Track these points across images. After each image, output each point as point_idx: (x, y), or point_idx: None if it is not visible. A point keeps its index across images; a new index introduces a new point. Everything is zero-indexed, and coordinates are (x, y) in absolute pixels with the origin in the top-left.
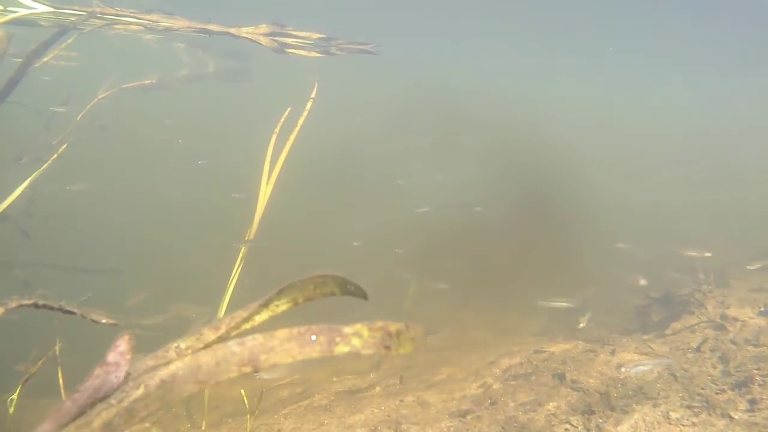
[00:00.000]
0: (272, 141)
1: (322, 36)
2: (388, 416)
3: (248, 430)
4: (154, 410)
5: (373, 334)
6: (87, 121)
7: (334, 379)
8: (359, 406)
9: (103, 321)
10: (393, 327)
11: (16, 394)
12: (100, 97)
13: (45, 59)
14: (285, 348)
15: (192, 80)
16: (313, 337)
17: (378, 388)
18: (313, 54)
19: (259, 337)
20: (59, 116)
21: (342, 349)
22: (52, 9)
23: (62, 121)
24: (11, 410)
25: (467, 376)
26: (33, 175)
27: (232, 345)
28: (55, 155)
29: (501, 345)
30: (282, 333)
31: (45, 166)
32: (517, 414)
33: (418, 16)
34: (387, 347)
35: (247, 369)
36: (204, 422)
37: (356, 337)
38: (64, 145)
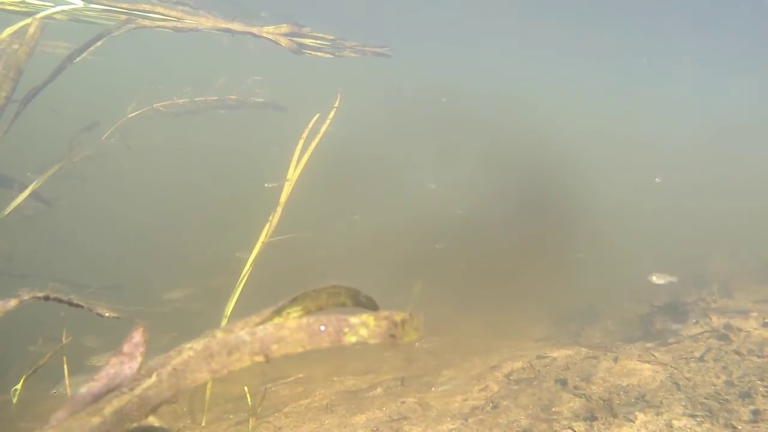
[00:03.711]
0: (298, 148)
1: (337, 38)
2: (390, 417)
3: (251, 427)
4: (167, 398)
5: (379, 323)
6: (115, 139)
7: (335, 378)
8: (360, 406)
9: (107, 314)
10: (398, 317)
11: (20, 384)
12: (130, 116)
13: (76, 61)
14: (295, 338)
15: (226, 107)
16: (322, 328)
17: (379, 389)
18: (329, 56)
19: (269, 327)
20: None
21: (350, 338)
22: (83, 4)
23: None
24: (15, 400)
25: (469, 379)
26: (30, 187)
27: (243, 335)
28: (55, 168)
29: (503, 349)
30: (292, 323)
31: (42, 179)
32: (519, 418)
33: (428, 20)
34: (393, 336)
35: (260, 358)
36: (204, 419)
37: (363, 327)
38: (61, 163)
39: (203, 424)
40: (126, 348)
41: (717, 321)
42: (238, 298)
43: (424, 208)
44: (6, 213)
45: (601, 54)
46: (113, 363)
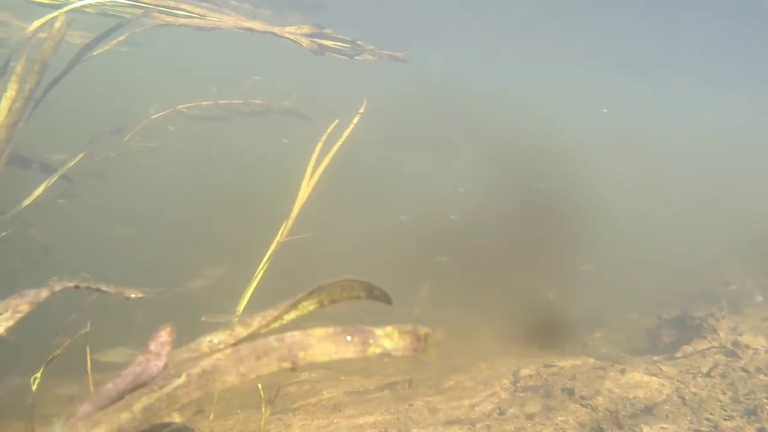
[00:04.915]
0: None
1: (356, 40)
2: (397, 419)
3: (263, 422)
4: (195, 398)
5: (402, 336)
6: (136, 140)
7: (342, 378)
8: (368, 407)
9: (132, 295)
10: (422, 330)
11: (40, 372)
12: (153, 117)
13: (95, 53)
14: (322, 347)
15: (254, 114)
16: (349, 338)
17: (386, 391)
18: (347, 58)
19: (297, 335)
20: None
21: (374, 350)
22: None
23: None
24: (34, 388)
25: (476, 384)
26: (40, 187)
27: (272, 340)
28: (81, 155)
29: (511, 356)
30: (319, 332)
31: (72, 162)
32: (525, 425)
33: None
34: (415, 350)
35: (287, 364)
36: (212, 412)
37: (387, 339)
38: (83, 153)
39: (211, 417)
40: (153, 347)
41: (725, 337)
42: (254, 289)
43: (430, 211)
44: (35, 196)
45: (614, 62)
46: (140, 361)
